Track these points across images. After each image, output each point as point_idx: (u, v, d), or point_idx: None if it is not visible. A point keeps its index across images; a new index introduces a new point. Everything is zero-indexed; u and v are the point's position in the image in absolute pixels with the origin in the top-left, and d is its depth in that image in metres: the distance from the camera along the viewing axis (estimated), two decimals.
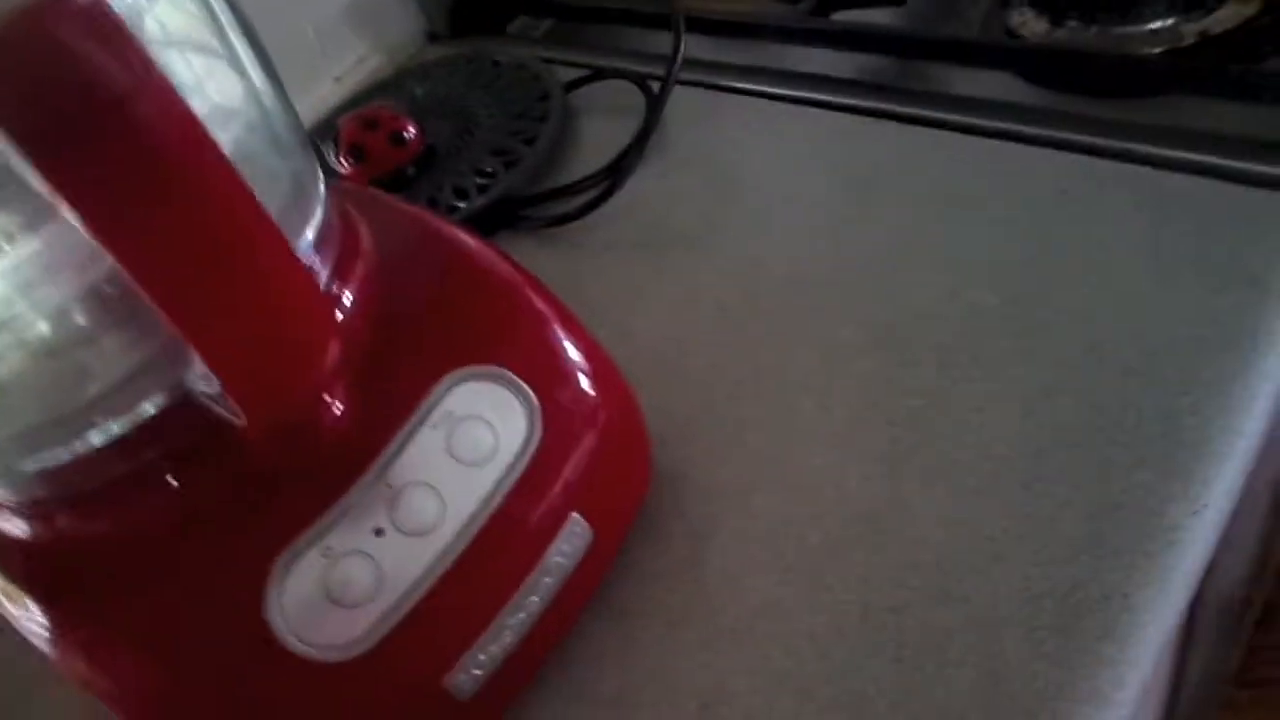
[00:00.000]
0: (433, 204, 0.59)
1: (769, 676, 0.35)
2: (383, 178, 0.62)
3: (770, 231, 0.50)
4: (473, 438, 0.34)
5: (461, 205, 0.58)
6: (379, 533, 0.32)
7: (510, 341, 0.37)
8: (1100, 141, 0.48)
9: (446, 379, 0.35)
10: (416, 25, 0.82)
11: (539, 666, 0.36)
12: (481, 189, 0.59)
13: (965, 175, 0.49)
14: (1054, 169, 0.48)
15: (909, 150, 0.52)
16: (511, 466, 0.34)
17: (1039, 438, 0.38)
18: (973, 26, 0.62)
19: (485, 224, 0.58)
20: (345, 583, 0.32)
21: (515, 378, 0.36)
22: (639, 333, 0.48)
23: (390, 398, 0.34)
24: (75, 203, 0.23)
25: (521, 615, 0.34)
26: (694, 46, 0.66)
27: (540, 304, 0.40)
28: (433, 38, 0.82)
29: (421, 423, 0.34)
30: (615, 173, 0.55)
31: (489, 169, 0.60)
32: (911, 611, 0.35)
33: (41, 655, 0.32)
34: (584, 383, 0.38)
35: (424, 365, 0.35)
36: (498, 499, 0.33)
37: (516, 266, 0.41)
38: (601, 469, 0.37)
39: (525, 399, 0.35)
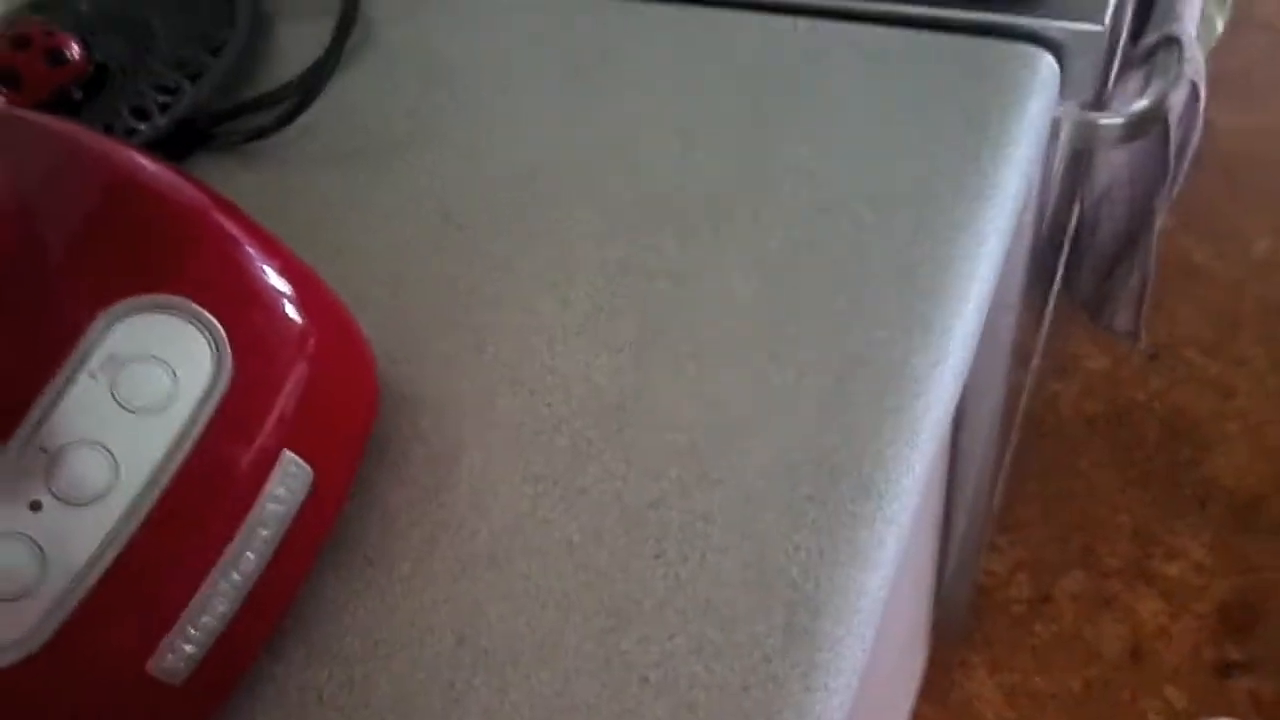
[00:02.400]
0: (109, 130, 0.51)
1: (528, 595, 0.32)
2: (44, 104, 0.53)
3: (492, 125, 0.46)
4: (145, 381, 0.29)
5: (142, 127, 0.51)
6: (36, 507, 0.27)
7: (186, 268, 0.32)
8: (820, 2, 0.47)
9: (104, 315, 0.29)
10: None
11: (270, 631, 0.32)
12: (164, 107, 0.51)
13: (690, 46, 0.47)
14: (777, 33, 0.46)
15: (631, 25, 0.49)
16: (198, 409, 0.29)
17: (781, 305, 0.37)
18: None
19: (174, 146, 0.51)
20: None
21: (194, 307, 0.30)
22: (357, 248, 0.43)
23: (33, 346, 0.29)
24: None
25: (236, 577, 0.30)
26: None
27: (226, 224, 0.35)
28: None
29: (78, 370, 0.28)
30: (313, 78, 0.49)
31: (171, 84, 0.52)
32: (670, 503, 0.33)
33: None
34: (286, 307, 0.33)
35: (74, 303, 0.30)
36: (184, 448, 0.29)
37: (198, 186, 0.36)
38: (316, 399, 0.32)
39: (209, 331, 0.30)
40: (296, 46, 0.54)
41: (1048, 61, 0.42)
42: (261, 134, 0.49)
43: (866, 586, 0.31)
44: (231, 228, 0.35)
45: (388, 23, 0.54)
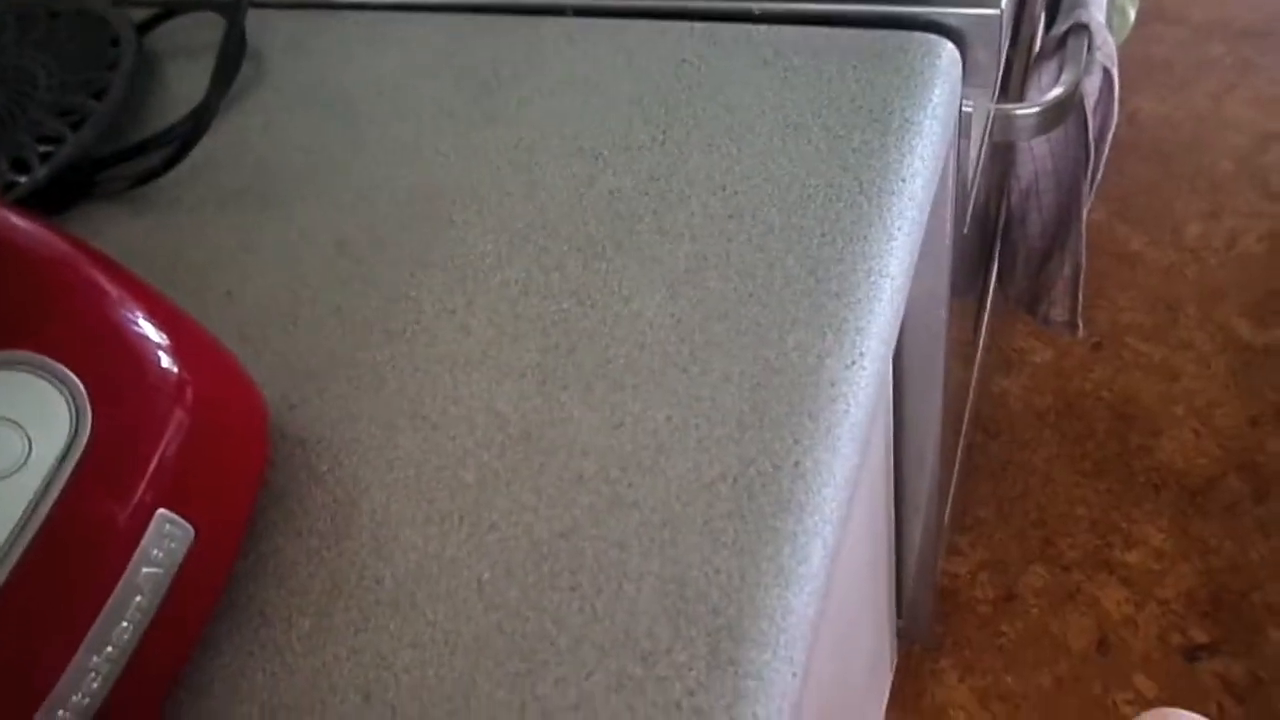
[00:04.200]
0: None
1: (436, 642, 0.30)
2: None
3: (388, 153, 0.45)
4: None
5: (22, 180, 0.48)
6: None
7: (41, 323, 0.30)
8: (715, 5, 0.46)
9: None
10: None
11: (157, 706, 0.30)
12: (45, 157, 0.49)
13: (586, 60, 0.46)
14: (673, 41, 0.45)
15: (526, 42, 0.48)
16: (54, 471, 0.27)
17: (690, 317, 0.35)
18: None
19: (57, 196, 0.48)
20: None
21: (48, 363, 0.28)
22: (249, 289, 0.41)
23: None
24: None
25: (110, 650, 0.27)
26: None
27: (90, 275, 0.32)
28: None
29: None
30: (199, 116, 0.47)
31: (53, 133, 0.50)
32: (582, 532, 0.31)
33: None
34: (161, 358, 0.31)
35: None
36: (40, 515, 0.26)
37: (61, 237, 0.34)
38: (196, 452, 0.30)
39: (66, 387, 0.28)
40: (184, 85, 0.52)
41: (948, 49, 0.41)
42: (149, 178, 0.47)
43: (792, 606, 0.29)
44: (97, 278, 0.32)
45: (278, 55, 0.52)
